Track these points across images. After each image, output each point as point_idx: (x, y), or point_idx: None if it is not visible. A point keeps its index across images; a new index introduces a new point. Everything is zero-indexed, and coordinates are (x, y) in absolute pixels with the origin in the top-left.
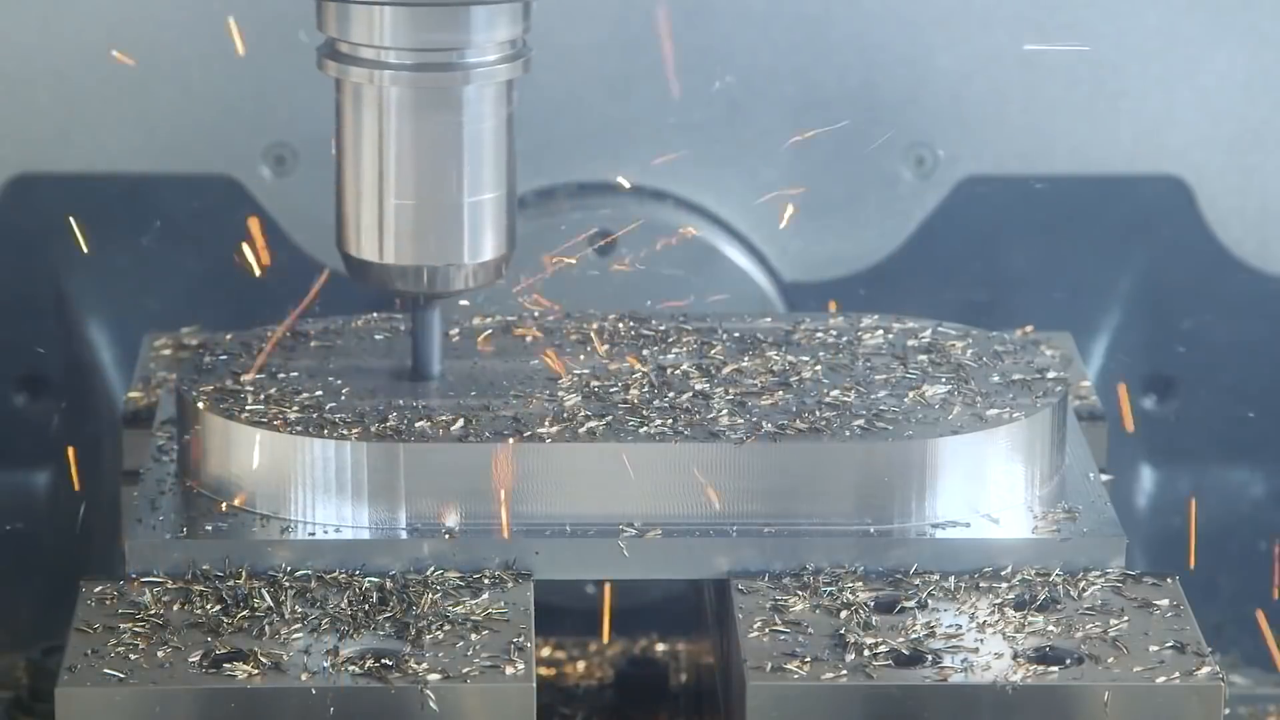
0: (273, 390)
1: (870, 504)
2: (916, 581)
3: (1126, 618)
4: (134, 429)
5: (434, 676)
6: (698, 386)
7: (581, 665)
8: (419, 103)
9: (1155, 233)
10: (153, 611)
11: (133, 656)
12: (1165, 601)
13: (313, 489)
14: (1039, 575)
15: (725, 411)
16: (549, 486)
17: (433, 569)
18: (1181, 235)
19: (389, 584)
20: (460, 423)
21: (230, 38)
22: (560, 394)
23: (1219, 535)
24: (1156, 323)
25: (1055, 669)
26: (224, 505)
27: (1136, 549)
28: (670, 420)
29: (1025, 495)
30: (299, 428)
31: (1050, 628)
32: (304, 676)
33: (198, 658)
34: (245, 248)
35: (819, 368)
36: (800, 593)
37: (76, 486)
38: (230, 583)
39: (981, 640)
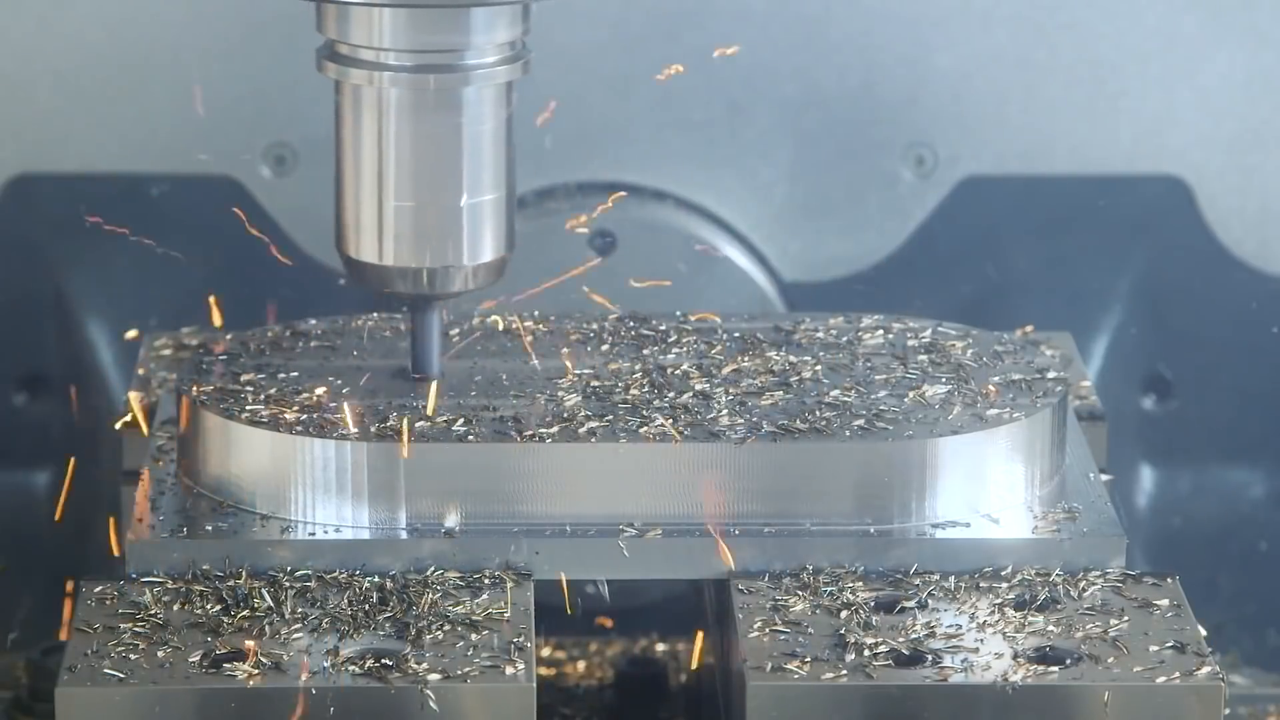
0: (273, 390)
1: (870, 504)
2: (916, 581)
3: (1127, 618)
4: (134, 429)
5: (434, 676)
6: (698, 386)
7: (581, 665)
8: (418, 104)
9: (1155, 233)
10: (153, 611)
11: (133, 656)
12: (1165, 601)
13: (313, 489)
14: (1039, 575)
15: (725, 411)
16: (549, 486)
17: (433, 569)
18: (1181, 235)
19: (389, 584)
20: (460, 423)
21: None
22: (560, 394)
23: (1219, 535)
24: (1156, 323)
25: (1055, 669)
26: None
27: (1136, 549)
28: (670, 420)
29: (1025, 495)
30: (299, 428)
31: (1050, 628)
32: (304, 676)
33: (198, 658)
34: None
35: (819, 368)
36: (800, 593)
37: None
38: (230, 583)
39: (981, 640)
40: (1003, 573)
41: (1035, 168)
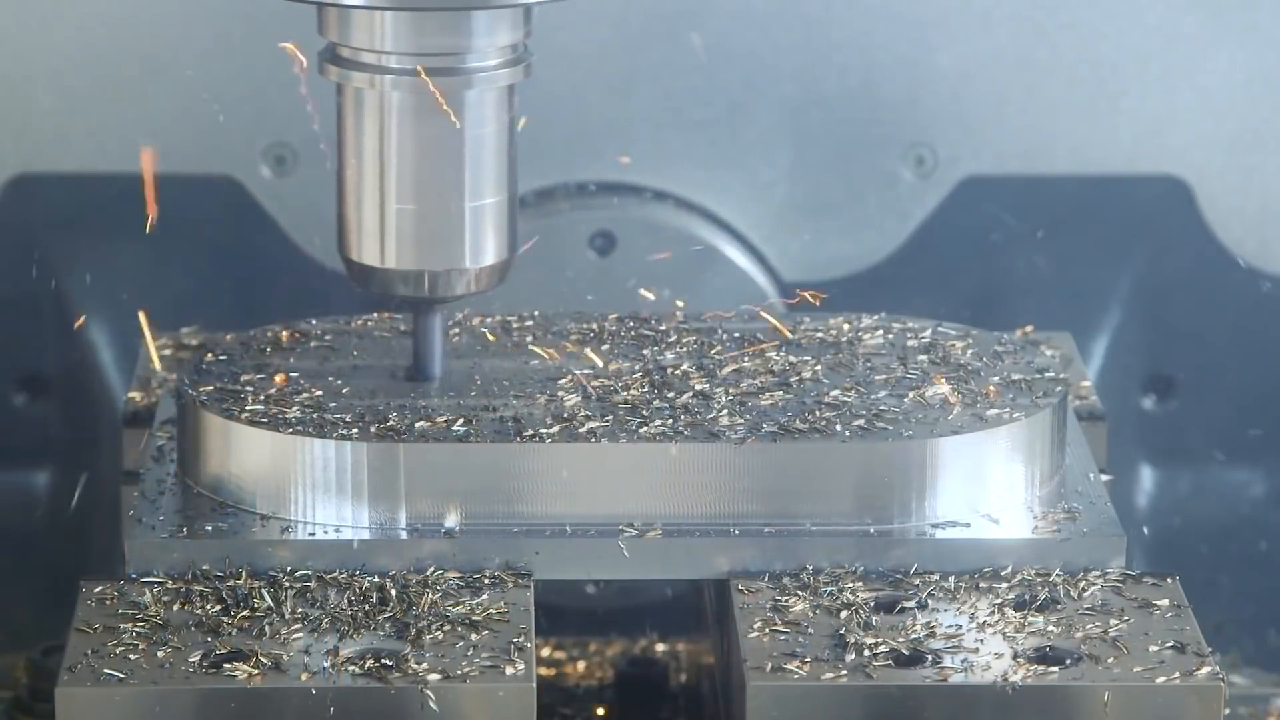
0: (273, 390)
1: (870, 504)
2: (916, 581)
3: (1127, 618)
4: (134, 429)
5: (434, 676)
6: (698, 386)
7: (581, 665)
8: (420, 107)
9: (1155, 233)
10: (152, 611)
11: (133, 656)
12: (1165, 601)
13: (313, 489)
14: (1039, 575)
15: (725, 411)
16: (549, 486)
17: (433, 569)
18: (1181, 235)
19: (389, 584)
20: (460, 423)
21: (230, 39)
22: (560, 394)
23: (1219, 535)
24: (1156, 323)
25: (1055, 669)
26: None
27: (1136, 549)
28: (670, 420)
29: (1025, 495)
30: (299, 428)
31: (1050, 628)
32: (304, 676)
33: (198, 658)
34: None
35: (819, 368)
36: (800, 593)
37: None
38: (230, 583)
39: (981, 640)
40: (1003, 573)
41: (1035, 168)
